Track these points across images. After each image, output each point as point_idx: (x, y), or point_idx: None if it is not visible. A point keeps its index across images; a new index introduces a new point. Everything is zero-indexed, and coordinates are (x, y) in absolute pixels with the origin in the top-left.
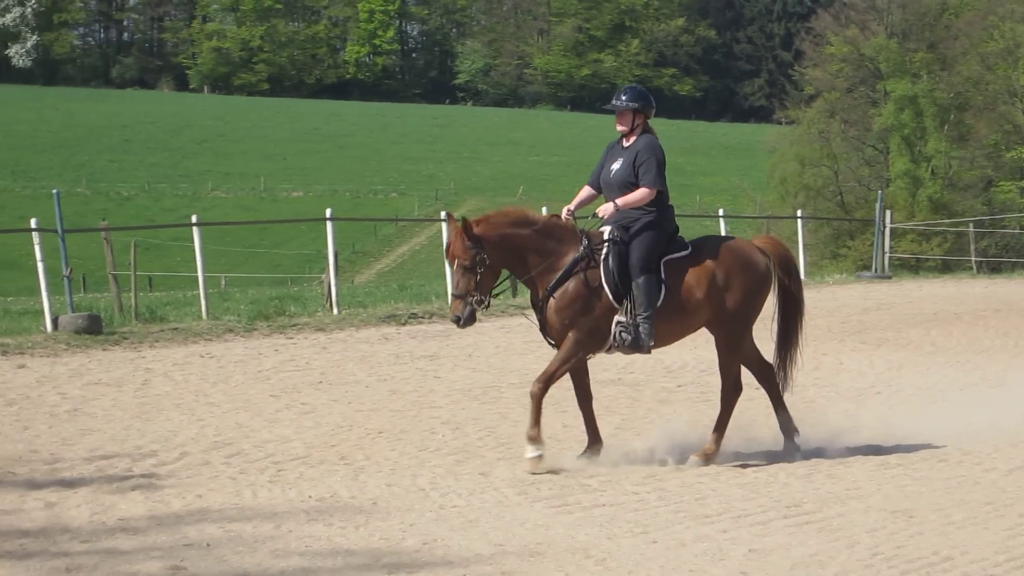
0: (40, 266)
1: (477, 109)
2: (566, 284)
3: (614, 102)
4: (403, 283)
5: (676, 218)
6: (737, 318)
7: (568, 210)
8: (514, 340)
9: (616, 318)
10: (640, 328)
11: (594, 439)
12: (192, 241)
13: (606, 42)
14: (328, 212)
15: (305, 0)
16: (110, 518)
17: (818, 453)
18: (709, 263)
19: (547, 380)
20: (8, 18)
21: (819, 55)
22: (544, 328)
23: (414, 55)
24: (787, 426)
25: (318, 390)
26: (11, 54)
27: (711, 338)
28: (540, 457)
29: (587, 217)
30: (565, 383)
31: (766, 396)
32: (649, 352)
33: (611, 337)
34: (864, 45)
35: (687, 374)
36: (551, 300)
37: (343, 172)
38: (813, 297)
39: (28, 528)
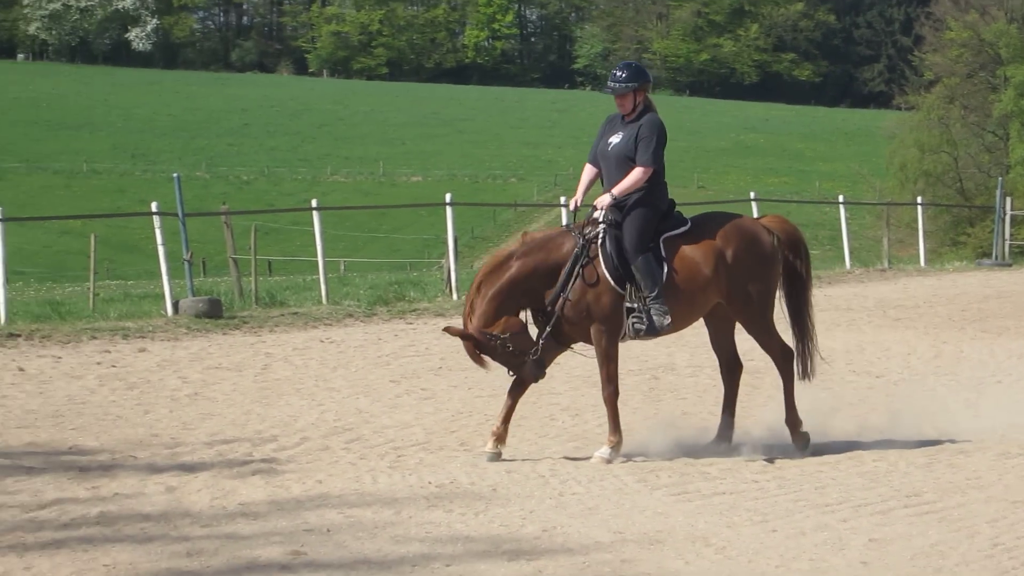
0: (161, 250)
1: (596, 94)
2: (575, 280)
3: (611, 84)
4: None
5: (796, 204)
6: (754, 299)
7: (576, 202)
8: None
9: (625, 305)
10: (652, 311)
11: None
12: (311, 225)
13: (725, 26)
14: (448, 197)
15: None
16: (230, 503)
17: (938, 442)
18: (714, 240)
19: (608, 381)
20: (128, 2)
21: (939, 40)
22: (559, 331)
23: (533, 39)
24: (725, 431)
25: (438, 376)
26: (131, 38)
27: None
28: (608, 461)
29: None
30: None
31: (879, 384)
32: (667, 333)
33: (624, 327)
34: (984, 30)
35: None
36: (565, 300)
37: (462, 157)
38: (933, 284)
39: (149, 512)
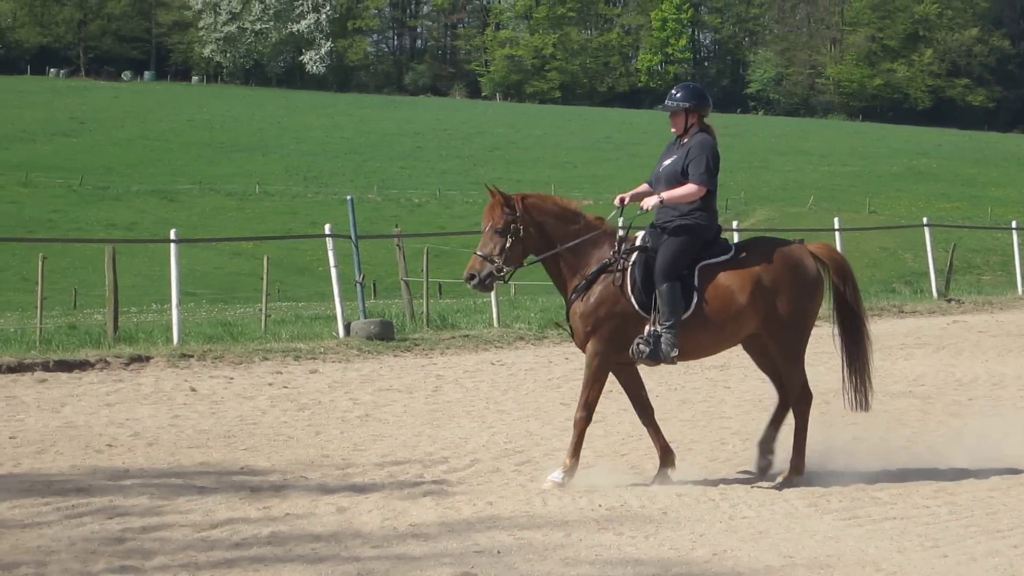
0: (333, 272)
1: (768, 118)
2: (592, 289)
3: (667, 102)
4: None
5: (968, 230)
6: (791, 326)
7: (622, 199)
8: None
9: (647, 328)
10: (662, 339)
11: (664, 451)
12: None
13: (899, 52)
14: (620, 221)
15: (598, 8)
16: (401, 524)
17: None
18: (754, 267)
19: (585, 406)
20: (303, 25)
21: None
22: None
23: (706, 64)
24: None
25: (608, 399)
26: (305, 60)
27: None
28: (560, 485)
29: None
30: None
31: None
32: (673, 363)
33: (629, 348)
34: None
35: (979, 387)
36: (576, 304)
37: (633, 180)
38: None
39: (320, 532)
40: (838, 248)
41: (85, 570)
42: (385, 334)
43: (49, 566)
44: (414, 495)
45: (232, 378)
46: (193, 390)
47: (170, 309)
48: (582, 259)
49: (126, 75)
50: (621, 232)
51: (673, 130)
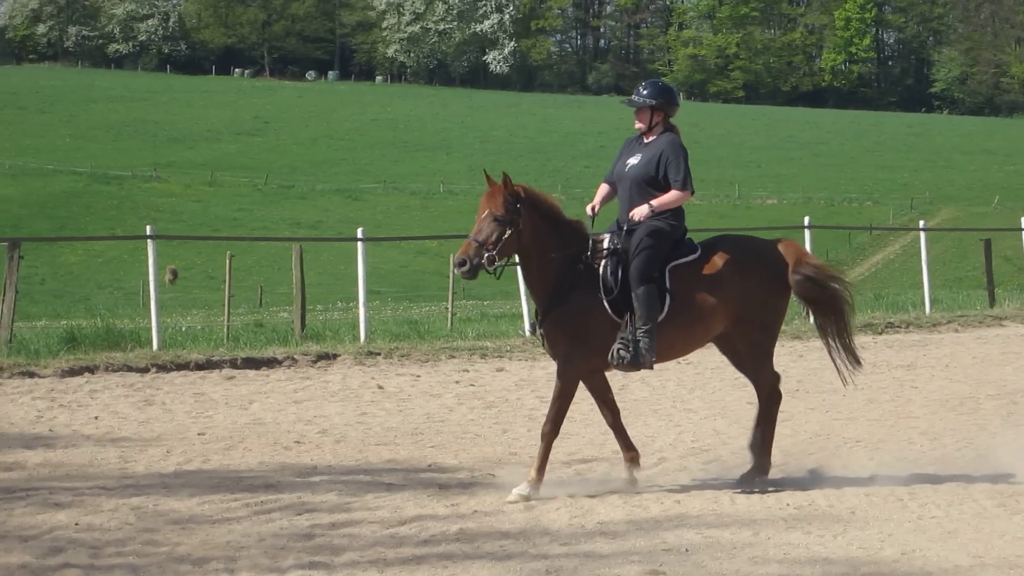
0: (519, 270)
1: (953, 117)
2: (568, 296)
3: (633, 98)
4: (878, 292)
5: None
6: (760, 324)
7: (593, 208)
8: (991, 351)
9: (619, 334)
10: (640, 344)
11: (629, 453)
12: None
13: None
14: (806, 220)
15: (781, 8)
16: (589, 521)
17: None
18: (722, 265)
19: (555, 420)
20: (486, 25)
21: None
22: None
23: (890, 63)
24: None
25: (795, 398)
26: (489, 60)
27: None
28: (526, 498)
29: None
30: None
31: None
32: (651, 368)
33: (609, 354)
34: None
35: None
36: (552, 312)
37: (817, 180)
38: None
39: (508, 529)
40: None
41: (274, 566)
42: None
43: (239, 561)
44: (601, 493)
45: (419, 376)
46: (380, 388)
47: (356, 307)
48: (563, 266)
49: (310, 75)
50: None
51: (638, 126)
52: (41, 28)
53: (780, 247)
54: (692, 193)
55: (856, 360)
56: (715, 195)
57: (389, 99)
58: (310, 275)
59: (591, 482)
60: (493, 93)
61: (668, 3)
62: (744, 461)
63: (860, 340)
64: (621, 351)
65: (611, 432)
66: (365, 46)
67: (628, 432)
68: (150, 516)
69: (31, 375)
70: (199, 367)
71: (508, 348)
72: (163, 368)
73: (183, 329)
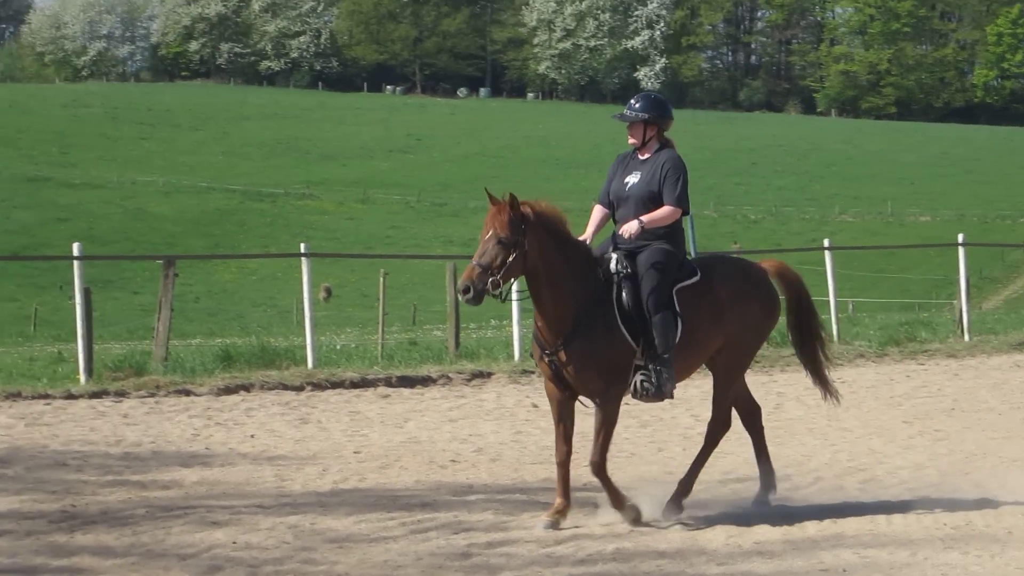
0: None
1: None
2: (588, 327)
3: (626, 112)
4: None
5: None
6: (744, 347)
7: (585, 240)
8: None
9: (635, 362)
10: (663, 374)
11: (565, 495)
12: (820, 265)
13: None
14: (960, 237)
15: (933, 24)
16: (746, 541)
17: None
18: (722, 288)
19: (600, 453)
20: (637, 41)
21: None
22: (559, 376)
23: None
24: (768, 480)
25: (951, 417)
26: (640, 77)
27: None
28: (637, 518)
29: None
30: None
31: None
32: (672, 397)
33: (631, 387)
34: None
35: None
36: (577, 343)
37: (971, 197)
38: None
39: (664, 549)
40: None
41: None
42: None
43: None
44: (758, 512)
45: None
46: (535, 406)
47: (510, 325)
48: (578, 291)
49: (462, 92)
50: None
51: (632, 141)
52: (194, 45)
53: (771, 271)
54: (685, 212)
55: (832, 394)
56: (867, 212)
57: (540, 116)
58: None
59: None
60: None
61: (819, 19)
62: (899, 481)
63: (1016, 358)
64: (645, 383)
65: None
66: (516, 63)
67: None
68: (307, 535)
69: (187, 393)
70: (354, 385)
71: None
72: (318, 386)
73: (337, 347)
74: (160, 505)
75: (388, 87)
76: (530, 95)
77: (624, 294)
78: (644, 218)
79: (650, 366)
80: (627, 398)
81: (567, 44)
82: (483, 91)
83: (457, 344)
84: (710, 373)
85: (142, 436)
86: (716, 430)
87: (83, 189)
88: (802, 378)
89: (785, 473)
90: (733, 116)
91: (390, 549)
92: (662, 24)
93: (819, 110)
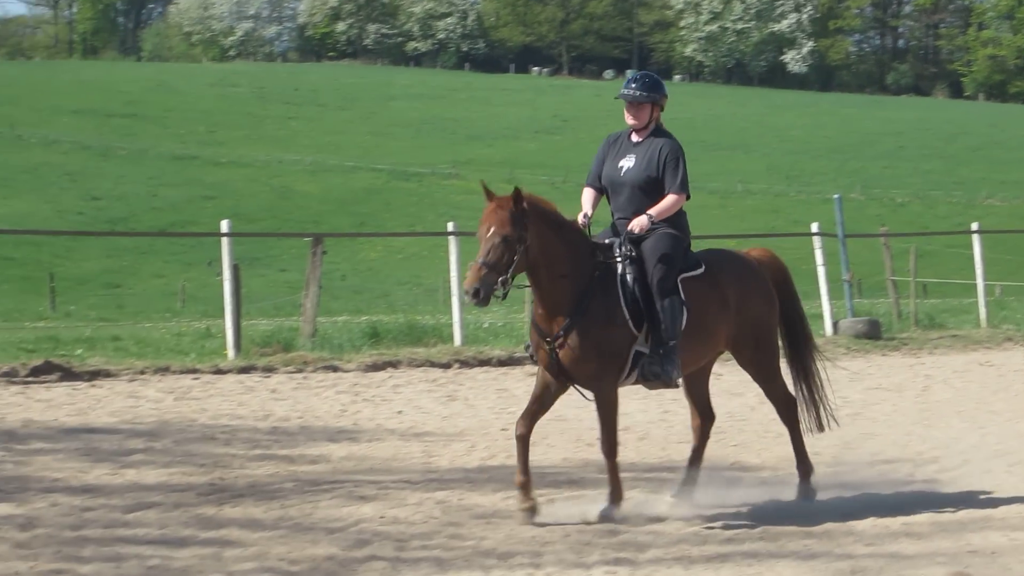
0: (820, 270)
1: None
2: (590, 312)
3: (626, 91)
4: None
5: None
6: (760, 342)
7: (585, 215)
8: None
9: (635, 348)
10: (668, 360)
11: (524, 472)
12: (968, 248)
13: None
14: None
15: None
16: (894, 522)
17: None
18: (725, 283)
19: (610, 438)
20: (784, 24)
21: None
22: (557, 364)
23: None
24: (689, 485)
25: None
26: (787, 60)
27: None
28: (606, 517)
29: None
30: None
31: None
32: (677, 386)
33: (635, 371)
34: None
35: None
36: (576, 332)
37: None
38: None
39: (812, 529)
40: None
41: (579, 561)
42: (872, 333)
43: (544, 556)
44: (905, 494)
45: (721, 374)
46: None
47: None
48: (578, 277)
49: (608, 74)
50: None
51: (633, 122)
52: (341, 26)
53: (758, 255)
54: (688, 197)
55: (818, 419)
56: (1016, 197)
57: (687, 98)
58: None
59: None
60: (791, 93)
61: (967, 3)
62: None
63: None
64: (653, 367)
65: (913, 434)
66: (663, 45)
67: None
68: (455, 510)
69: (335, 369)
70: (501, 363)
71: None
72: (466, 364)
73: (484, 325)
74: (308, 479)
75: (534, 69)
76: (676, 77)
77: (629, 278)
78: (652, 211)
79: (658, 351)
80: (628, 384)
81: (714, 27)
82: (629, 73)
83: None
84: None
85: (290, 411)
86: (788, 415)
87: (230, 168)
88: (949, 360)
89: (933, 455)
90: (880, 100)
91: (537, 525)
92: (809, 7)
93: (966, 94)
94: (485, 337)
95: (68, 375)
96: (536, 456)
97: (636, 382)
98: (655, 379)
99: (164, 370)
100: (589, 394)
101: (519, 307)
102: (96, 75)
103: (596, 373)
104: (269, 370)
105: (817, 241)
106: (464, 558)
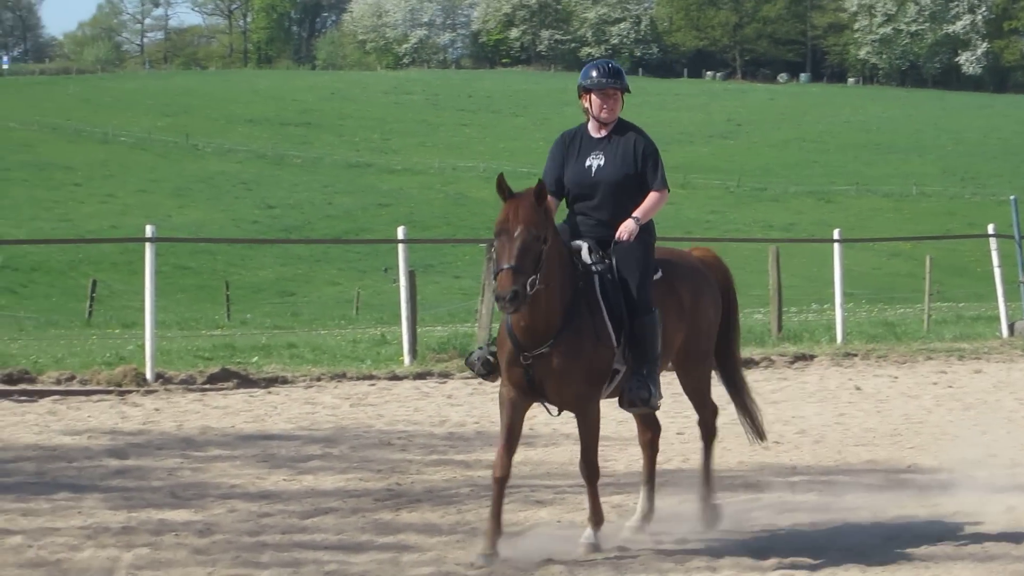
0: (996, 272)
1: None
2: (577, 326)
3: (596, 80)
4: None
5: None
6: (700, 347)
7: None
8: None
9: (614, 366)
10: (653, 381)
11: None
12: None
13: None
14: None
15: None
16: None
17: None
18: (681, 287)
19: (592, 466)
20: (958, 26)
21: None
22: (534, 383)
23: None
24: (648, 505)
25: None
26: (961, 61)
27: None
28: (596, 548)
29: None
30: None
31: None
32: (658, 408)
33: (620, 393)
34: None
35: None
36: (560, 348)
37: None
38: None
39: (989, 531)
40: None
41: (756, 564)
42: None
43: (721, 559)
44: None
45: (896, 377)
46: (858, 388)
47: (831, 308)
48: (566, 286)
49: (782, 77)
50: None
51: (605, 115)
52: (514, 32)
53: (700, 255)
54: (669, 192)
55: (758, 430)
56: None
57: (861, 101)
58: (784, 277)
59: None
60: (965, 95)
61: None
62: None
63: None
64: (641, 392)
65: None
66: (836, 48)
67: None
68: (631, 514)
69: None
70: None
71: (985, 350)
72: None
73: None
74: (484, 484)
75: (708, 73)
76: (850, 80)
77: (610, 289)
78: (638, 213)
79: (641, 372)
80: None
81: (888, 29)
82: (803, 76)
83: (780, 327)
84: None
85: (466, 416)
86: (710, 432)
87: (404, 175)
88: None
89: None
90: None
91: (715, 529)
92: (984, 8)
93: None
94: None
95: (245, 382)
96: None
97: (621, 406)
98: (643, 404)
99: (340, 376)
100: (554, 410)
101: None
102: (270, 84)
103: (583, 393)
104: (445, 376)
105: (993, 243)
106: (641, 561)
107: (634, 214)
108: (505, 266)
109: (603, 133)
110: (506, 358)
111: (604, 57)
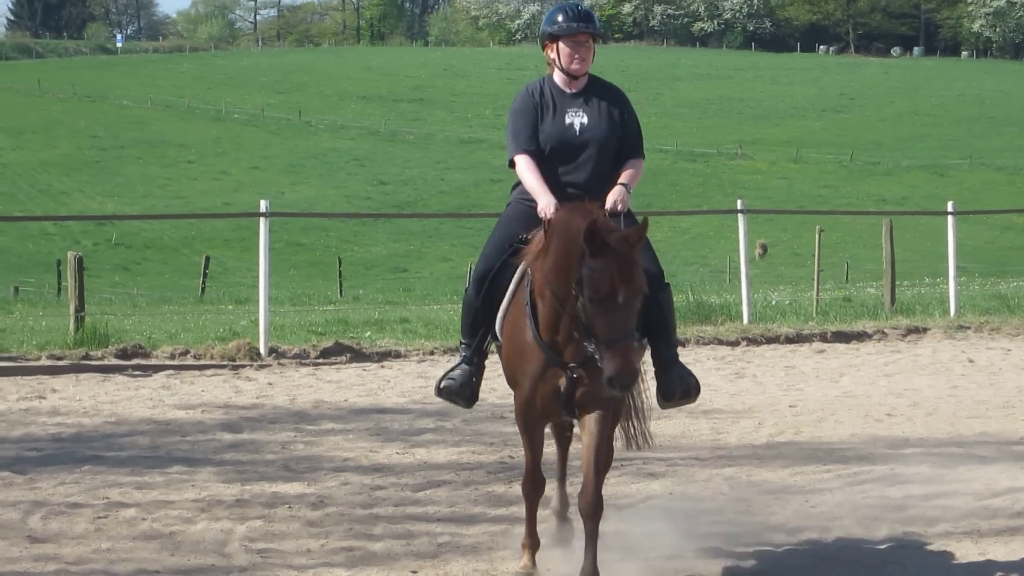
0: None
1: None
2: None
3: (567, 23)
4: None
5: None
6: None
7: (557, 205)
8: None
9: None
10: (683, 365)
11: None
12: None
13: None
14: None
15: None
16: None
17: None
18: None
19: (600, 486)
20: None
21: None
22: (568, 401)
23: None
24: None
25: None
26: None
27: None
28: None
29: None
30: None
31: None
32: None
33: (663, 387)
34: None
35: None
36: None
37: None
38: None
39: None
40: None
41: (868, 535)
42: None
43: (832, 531)
44: None
45: (1009, 350)
46: (971, 361)
47: (945, 282)
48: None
49: (895, 51)
50: None
51: (576, 66)
52: (627, 8)
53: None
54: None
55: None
56: None
57: (974, 74)
58: (897, 250)
59: None
60: None
61: None
62: None
63: None
64: (689, 377)
65: None
66: (950, 21)
67: None
68: (743, 486)
69: None
70: (789, 340)
71: None
72: (753, 342)
73: (772, 303)
74: None
75: (821, 47)
76: (964, 53)
77: None
78: (625, 180)
79: (675, 356)
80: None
81: (1002, 2)
82: (916, 50)
83: (893, 300)
84: None
85: None
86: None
87: None
88: None
89: None
90: None
91: (825, 501)
92: None
93: None
94: (772, 315)
95: (358, 356)
96: (824, 432)
97: (666, 400)
98: (696, 392)
99: (453, 351)
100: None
101: (807, 285)
102: (383, 61)
103: (609, 415)
104: None
105: None
106: (752, 532)
107: (621, 181)
108: (624, 340)
109: (575, 88)
110: (532, 374)
111: (714, 30)
